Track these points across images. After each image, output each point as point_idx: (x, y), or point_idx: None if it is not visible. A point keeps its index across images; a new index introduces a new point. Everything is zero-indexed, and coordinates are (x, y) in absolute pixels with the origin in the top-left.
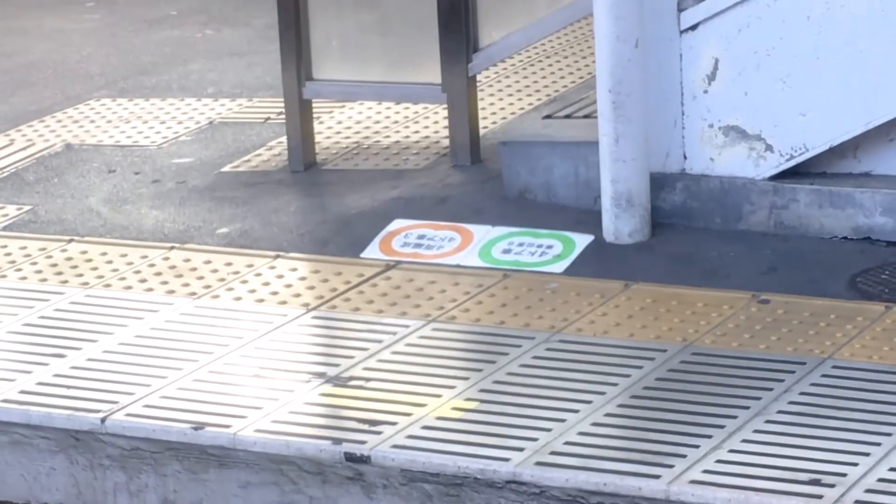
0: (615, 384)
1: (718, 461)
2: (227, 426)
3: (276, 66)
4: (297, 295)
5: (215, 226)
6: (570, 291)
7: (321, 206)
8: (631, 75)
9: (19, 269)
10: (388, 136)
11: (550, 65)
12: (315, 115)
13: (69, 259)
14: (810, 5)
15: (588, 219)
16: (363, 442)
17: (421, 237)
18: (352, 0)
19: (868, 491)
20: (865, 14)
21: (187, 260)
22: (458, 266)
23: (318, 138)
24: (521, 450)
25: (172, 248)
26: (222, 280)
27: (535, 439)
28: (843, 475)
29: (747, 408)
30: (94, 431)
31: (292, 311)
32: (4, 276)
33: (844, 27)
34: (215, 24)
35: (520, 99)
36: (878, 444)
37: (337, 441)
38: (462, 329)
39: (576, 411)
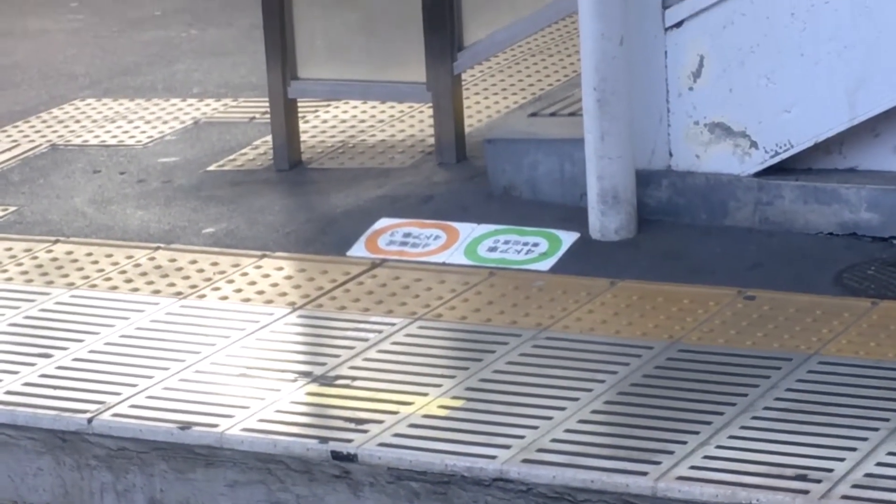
0: (602, 381)
1: (706, 457)
2: (214, 425)
3: (262, 66)
4: (284, 294)
5: (201, 225)
6: (556, 289)
7: (307, 204)
8: (616, 73)
9: (5, 270)
10: (373, 135)
11: (536, 63)
12: (300, 115)
13: (54, 259)
14: (794, 1)
15: (574, 216)
16: (350, 440)
17: (407, 235)
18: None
19: (855, 486)
20: (849, 10)
21: (173, 260)
22: (444, 264)
23: (303, 137)
24: (507, 447)
25: (158, 248)
26: (208, 280)
27: (521, 437)
28: (830, 470)
29: (734, 404)
30: (81, 432)
31: (278, 310)
32: None
33: (828, 23)
34: (200, 24)
35: (505, 97)
36: (865, 440)
37: (324, 440)
38: (448, 327)
39: (563, 408)
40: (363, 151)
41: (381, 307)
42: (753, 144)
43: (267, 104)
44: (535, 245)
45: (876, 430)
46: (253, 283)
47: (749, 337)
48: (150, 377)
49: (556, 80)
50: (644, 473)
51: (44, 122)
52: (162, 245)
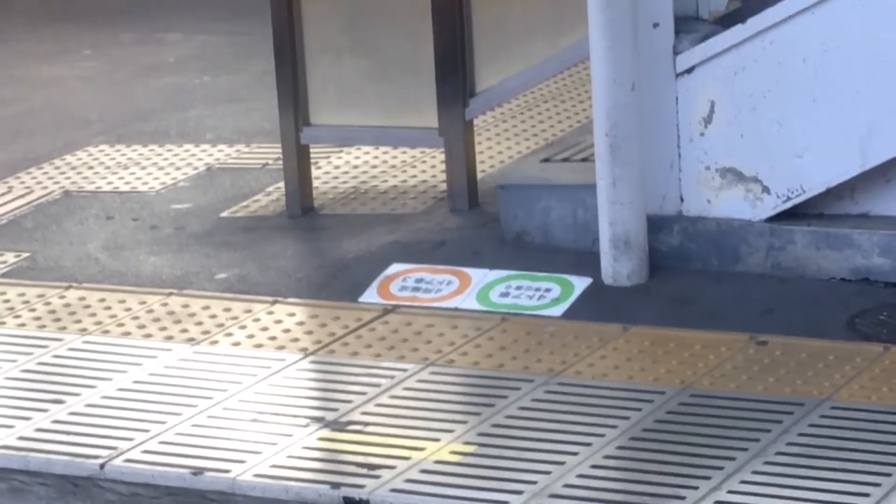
0: (614, 426)
1: (717, 502)
2: (227, 471)
3: (274, 112)
4: (296, 340)
5: (213, 271)
6: (568, 334)
7: (319, 250)
8: (627, 119)
9: (18, 316)
10: (385, 181)
11: (548, 109)
12: (313, 160)
13: (67, 305)
14: (806, 48)
15: (586, 261)
16: (362, 486)
17: (419, 281)
18: (348, 45)
19: None
20: (861, 56)
21: (185, 306)
22: (456, 309)
23: (315, 183)
24: (520, 493)
25: (171, 293)
26: (220, 325)
27: (534, 482)
28: None
29: (746, 449)
30: (94, 477)
31: (290, 356)
32: (3, 323)
33: (840, 69)
34: (213, 70)
35: (518, 143)
36: (878, 485)
37: (335, 485)
38: (460, 372)
39: (575, 454)
40: (375, 197)
41: (393, 353)
42: (765, 190)
43: (280, 150)
44: (548, 290)
45: (889, 475)
46: (265, 328)
47: (761, 382)
48: (163, 423)
49: (568, 126)
50: None
51: (57, 168)
52: (174, 291)
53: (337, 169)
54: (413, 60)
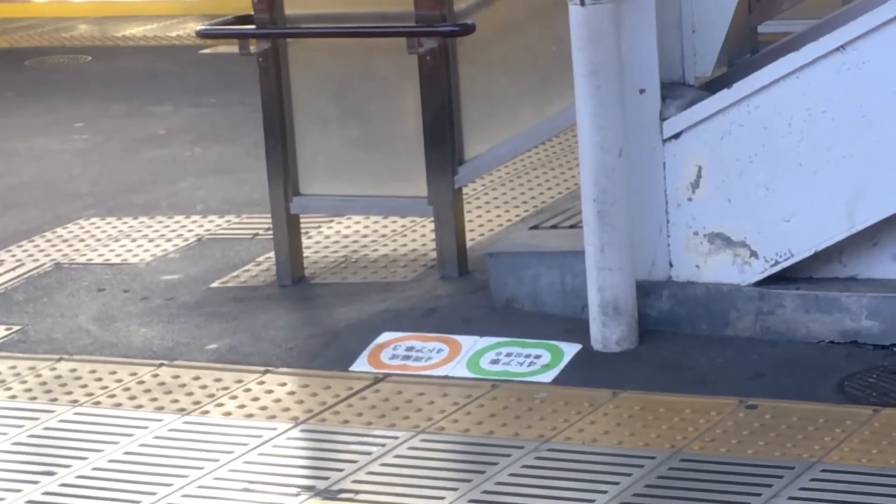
0: (604, 492)
1: None
2: None
3: (264, 183)
4: (286, 409)
5: (204, 342)
6: (558, 400)
7: (310, 320)
8: (615, 184)
9: (9, 388)
10: (375, 250)
11: (537, 176)
12: (303, 230)
13: (58, 377)
14: (791, 112)
15: (576, 327)
16: None
17: (409, 349)
18: (337, 116)
19: None
20: (847, 119)
21: (176, 376)
22: (446, 377)
23: (306, 252)
24: None
25: (161, 364)
26: (211, 396)
27: None
28: None
29: None
30: None
31: (281, 425)
32: None
33: (826, 133)
34: (204, 142)
35: (507, 210)
36: None
37: None
38: (451, 440)
39: None
40: (366, 266)
41: (383, 421)
42: (753, 254)
43: (270, 220)
44: (538, 357)
45: None
46: (256, 398)
47: (751, 446)
48: (154, 493)
49: (557, 193)
50: None
51: (48, 241)
52: (165, 362)
53: (327, 238)
54: (402, 129)
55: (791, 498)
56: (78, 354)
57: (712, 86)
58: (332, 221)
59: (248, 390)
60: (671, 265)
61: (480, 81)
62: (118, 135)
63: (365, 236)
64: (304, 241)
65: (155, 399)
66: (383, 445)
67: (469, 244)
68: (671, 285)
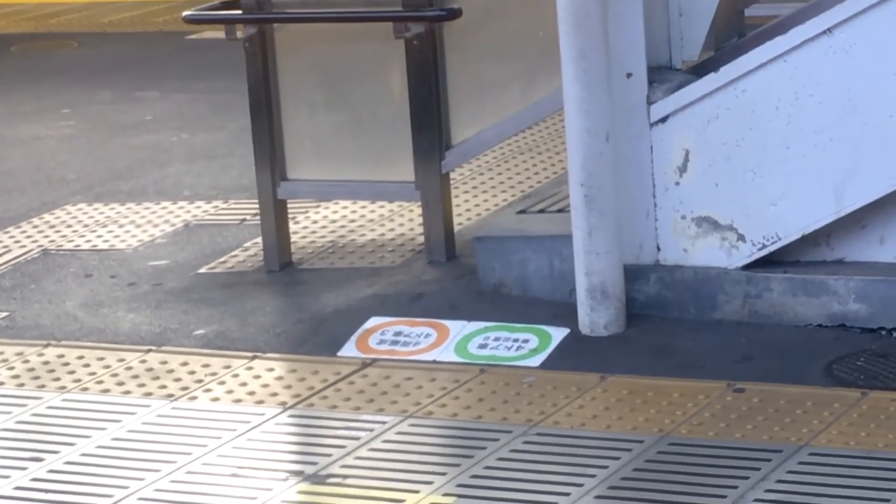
0: (593, 476)
1: None
2: None
3: (252, 168)
4: (275, 394)
5: (192, 327)
6: (546, 385)
7: (297, 305)
8: (602, 169)
9: None
10: (363, 235)
11: (524, 161)
12: (290, 215)
13: (46, 363)
14: (779, 95)
15: (563, 312)
16: None
17: (397, 334)
18: (324, 101)
19: None
20: (834, 103)
21: (164, 362)
22: (434, 362)
23: (293, 238)
24: None
25: (149, 350)
26: (199, 381)
27: None
28: None
29: (724, 496)
30: None
31: (269, 411)
32: None
33: (813, 116)
34: (190, 128)
35: (494, 195)
36: None
37: None
38: (439, 424)
39: None
40: (353, 251)
41: (372, 406)
42: (741, 238)
43: (257, 206)
44: (526, 341)
45: None
46: (244, 384)
47: (739, 429)
48: (142, 479)
49: (544, 178)
50: None
51: (35, 227)
52: (153, 347)
53: (315, 223)
54: (389, 114)
55: (779, 481)
56: (66, 340)
57: (699, 70)
58: (319, 206)
59: (236, 376)
60: (659, 249)
61: (467, 66)
62: (105, 121)
63: (352, 221)
64: (292, 227)
65: (143, 385)
66: (371, 430)
67: (456, 229)
68: (659, 269)
